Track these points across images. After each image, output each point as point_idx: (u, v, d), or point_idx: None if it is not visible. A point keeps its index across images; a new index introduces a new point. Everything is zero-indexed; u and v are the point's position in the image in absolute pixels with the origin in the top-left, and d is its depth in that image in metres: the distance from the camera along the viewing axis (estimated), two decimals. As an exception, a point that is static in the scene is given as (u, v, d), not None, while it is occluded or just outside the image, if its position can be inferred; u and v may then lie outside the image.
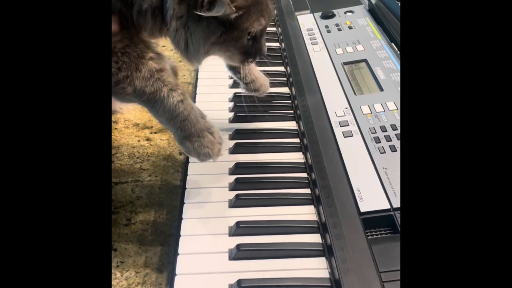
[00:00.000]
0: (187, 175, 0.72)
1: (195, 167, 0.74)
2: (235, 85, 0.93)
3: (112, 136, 0.95)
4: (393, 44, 0.94)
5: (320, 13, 1.10)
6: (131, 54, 0.58)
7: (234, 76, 0.83)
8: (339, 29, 1.03)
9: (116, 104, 0.87)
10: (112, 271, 0.69)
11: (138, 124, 0.99)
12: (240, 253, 0.60)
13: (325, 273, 0.58)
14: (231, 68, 0.81)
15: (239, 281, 0.56)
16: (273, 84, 0.88)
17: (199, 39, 0.59)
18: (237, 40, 0.60)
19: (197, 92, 0.92)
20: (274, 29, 1.13)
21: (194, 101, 0.90)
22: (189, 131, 0.63)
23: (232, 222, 0.64)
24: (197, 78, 0.97)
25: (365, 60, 0.90)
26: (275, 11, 1.16)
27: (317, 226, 0.64)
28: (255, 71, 0.81)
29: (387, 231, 0.61)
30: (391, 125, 0.74)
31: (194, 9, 0.55)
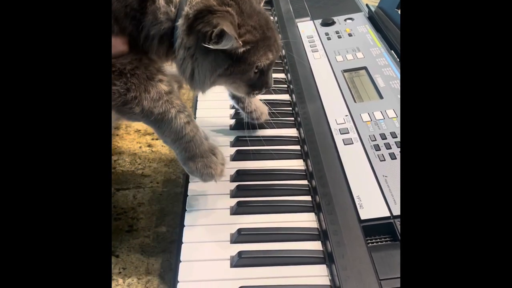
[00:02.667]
0: (188, 182, 0.73)
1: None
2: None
3: (113, 143, 0.96)
4: (392, 51, 0.95)
5: (320, 20, 1.11)
6: (141, 76, 0.59)
7: (236, 105, 0.83)
8: (339, 37, 1.04)
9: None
10: (114, 277, 0.69)
11: (140, 130, 1.00)
12: (241, 260, 0.60)
13: (325, 280, 0.58)
14: (234, 98, 0.82)
15: (240, 288, 0.57)
16: (273, 91, 0.89)
17: (206, 71, 0.59)
18: (244, 73, 0.61)
19: (199, 99, 0.93)
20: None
21: (196, 108, 0.91)
22: (193, 152, 0.64)
23: (233, 229, 0.65)
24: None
25: (365, 68, 0.91)
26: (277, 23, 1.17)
27: (317, 233, 0.64)
28: (256, 101, 0.82)
29: (387, 239, 0.62)
30: (390, 132, 0.74)
31: (202, 42, 0.56)
